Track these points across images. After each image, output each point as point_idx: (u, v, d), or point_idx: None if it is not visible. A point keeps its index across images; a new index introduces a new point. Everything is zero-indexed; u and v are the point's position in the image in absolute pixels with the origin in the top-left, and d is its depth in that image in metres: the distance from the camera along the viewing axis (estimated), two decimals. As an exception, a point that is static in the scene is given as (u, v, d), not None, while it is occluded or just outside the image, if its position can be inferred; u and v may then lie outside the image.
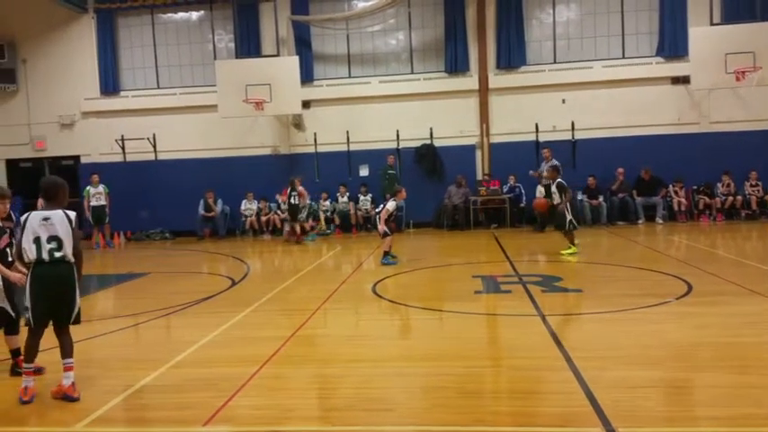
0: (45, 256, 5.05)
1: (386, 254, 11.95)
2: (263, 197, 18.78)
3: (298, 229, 16.45)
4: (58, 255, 5.06)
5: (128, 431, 4.62)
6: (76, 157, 20.35)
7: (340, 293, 9.33)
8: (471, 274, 10.45)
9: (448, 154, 18.72)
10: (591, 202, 17.68)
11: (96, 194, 17.44)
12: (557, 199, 12.44)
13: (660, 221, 17.32)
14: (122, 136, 19.84)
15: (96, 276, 12.12)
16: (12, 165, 20.71)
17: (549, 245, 14.51)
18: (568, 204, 12.34)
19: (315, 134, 19.28)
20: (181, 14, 20.16)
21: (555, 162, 16.03)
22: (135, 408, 5.01)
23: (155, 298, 9.50)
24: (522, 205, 18.07)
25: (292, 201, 16.42)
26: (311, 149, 19.38)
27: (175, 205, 18.90)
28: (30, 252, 5.06)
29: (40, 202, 5.53)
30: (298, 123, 19.31)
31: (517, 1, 18.59)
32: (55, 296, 5.13)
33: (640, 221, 17.43)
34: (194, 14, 20.13)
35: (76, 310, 5.23)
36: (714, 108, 18.00)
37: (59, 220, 5.08)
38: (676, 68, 17.95)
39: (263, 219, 18.62)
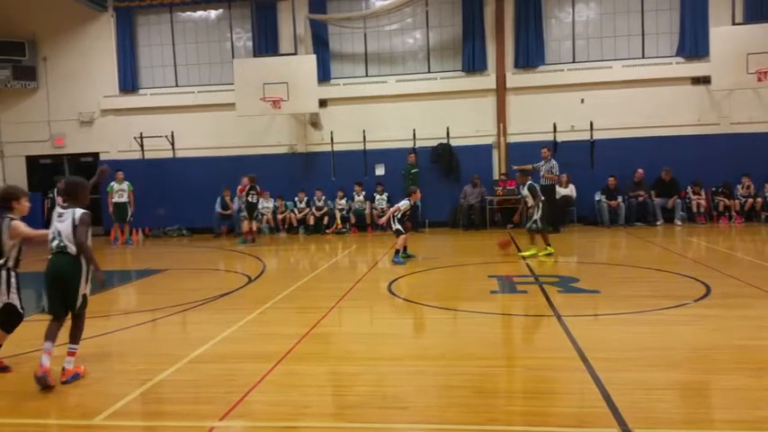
0: (53, 246, 5.55)
1: (397, 252, 11.94)
2: (280, 196, 18.85)
3: (246, 226, 16.50)
4: (61, 246, 5.51)
5: (145, 425, 4.65)
6: (95, 155, 20.51)
7: (355, 292, 9.34)
8: (487, 274, 10.43)
9: (464, 153, 18.70)
10: (609, 203, 17.57)
11: (119, 191, 17.55)
12: (530, 202, 12.30)
13: (679, 223, 17.20)
14: (141, 133, 19.99)
15: (116, 272, 12.22)
16: (31, 161, 20.93)
17: (566, 245, 14.44)
18: (540, 205, 12.19)
19: (331, 133, 19.33)
20: (199, 13, 20.27)
21: (551, 163, 16.02)
22: (152, 402, 5.04)
23: (172, 294, 9.56)
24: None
25: (250, 199, 16.44)
26: (327, 148, 19.43)
27: (193, 203, 19.04)
28: (48, 243, 5.59)
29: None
30: (314, 122, 19.36)
31: (536, 0, 18.53)
32: (56, 284, 5.53)
33: (659, 223, 17.31)
34: (213, 13, 20.23)
35: (79, 300, 5.56)
36: (735, 109, 17.85)
37: (68, 217, 5.55)
38: (697, 69, 17.81)
39: (280, 217, 18.69)
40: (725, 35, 16.49)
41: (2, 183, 20.68)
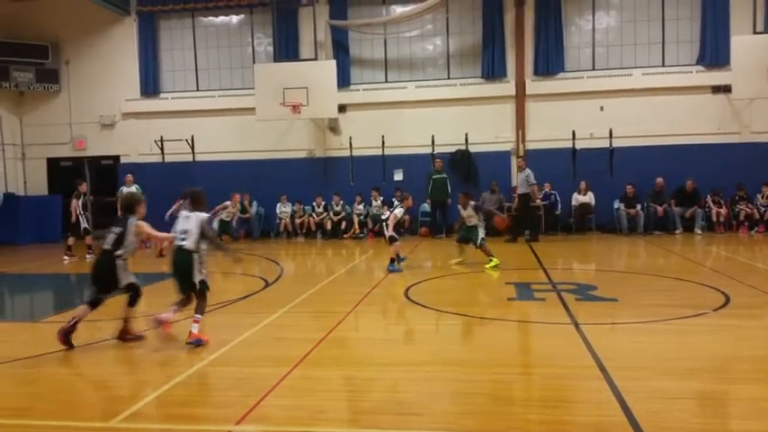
0: (177, 243, 6.84)
1: (392, 261, 11.80)
2: (298, 200, 18.92)
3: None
4: (183, 243, 6.80)
5: (161, 428, 4.66)
6: (116, 158, 20.73)
7: (372, 297, 9.35)
8: (504, 281, 10.41)
9: (483, 160, 18.68)
10: (628, 211, 17.46)
11: None
12: (474, 221, 12.19)
13: (699, 232, 17.05)
14: (161, 137, 20.16)
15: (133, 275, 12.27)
16: (52, 163, 21.18)
17: (584, 253, 14.40)
18: (482, 223, 12.23)
19: (350, 138, 19.38)
20: (221, 18, 20.43)
21: (525, 172, 16.15)
22: (169, 404, 5.06)
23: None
24: (557, 212, 17.94)
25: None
26: (346, 153, 19.49)
27: (211, 206, 19.02)
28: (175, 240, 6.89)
29: (180, 203, 6.63)
30: (333, 127, 19.44)
31: (556, 7, 18.52)
32: (177, 272, 6.88)
33: (678, 231, 17.17)
34: (234, 18, 20.39)
35: (197, 285, 6.80)
36: (755, 118, 17.72)
37: (195, 219, 6.88)
38: (717, 77, 17.72)
39: (298, 221, 18.76)
40: (746, 44, 16.41)
41: (23, 185, 20.97)
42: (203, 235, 6.86)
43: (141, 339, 6.96)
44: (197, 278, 6.81)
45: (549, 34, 18.53)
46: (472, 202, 12.41)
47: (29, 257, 15.98)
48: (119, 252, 6.77)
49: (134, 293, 6.96)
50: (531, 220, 16.89)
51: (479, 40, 19.04)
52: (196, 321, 6.68)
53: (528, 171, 16.38)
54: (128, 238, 6.83)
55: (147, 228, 7.04)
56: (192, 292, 6.86)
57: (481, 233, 12.15)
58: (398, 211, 12.08)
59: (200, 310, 6.79)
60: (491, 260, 11.92)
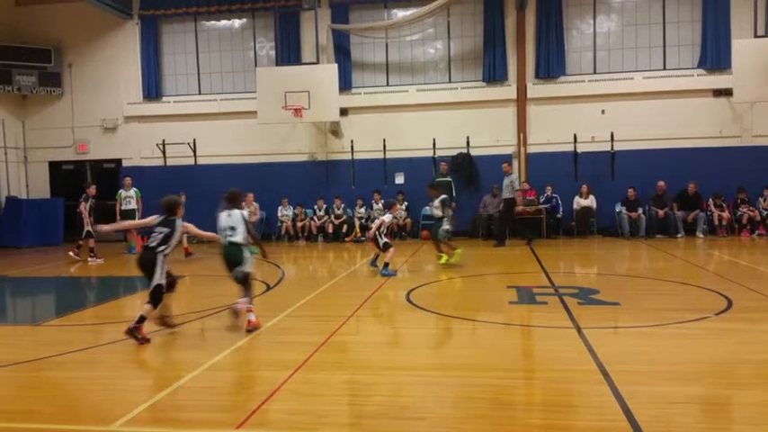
0: (224, 239, 7.54)
1: (386, 265, 11.81)
2: (299, 203, 18.93)
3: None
4: (231, 238, 7.51)
5: (162, 432, 4.68)
6: (118, 161, 20.74)
7: (374, 300, 9.35)
8: (506, 285, 10.39)
9: (484, 163, 18.67)
10: (630, 214, 17.45)
11: (127, 198, 17.31)
12: (438, 213, 12.94)
13: (701, 236, 17.03)
14: (163, 141, 20.19)
15: (137, 279, 12.28)
16: (54, 167, 21.18)
17: (586, 256, 14.38)
18: (450, 216, 13.01)
19: (352, 141, 19.40)
20: (223, 22, 20.46)
21: (511, 177, 16.17)
22: (170, 409, 5.05)
23: (190, 301, 9.58)
24: (558, 216, 17.92)
25: None
26: (348, 156, 19.50)
27: (213, 210, 18.99)
28: (220, 237, 7.60)
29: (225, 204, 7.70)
30: (335, 130, 19.43)
31: (557, 11, 18.52)
32: (228, 265, 7.53)
33: (680, 235, 17.16)
34: (237, 22, 20.40)
35: (242, 274, 7.43)
36: (757, 121, 17.72)
37: (236, 216, 7.61)
38: (718, 81, 17.71)
39: (299, 225, 18.76)
40: (747, 47, 16.38)
41: (25, 188, 20.98)
42: (247, 229, 7.57)
43: (147, 342, 6.95)
44: (246, 268, 7.42)
45: (551, 38, 18.54)
46: (443, 196, 12.98)
47: (31, 261, 15.99)
48: (161, 248, 7.24)
49: (158, 295, 7.20)
50: (520, 225, 16.95)
51: (480, 44, 19.06)
52: (250, 311, 7.35)
53: (513, 176, 16.30)
54: (174, 238, 7.40)
55: (193, 228, 7.87)
56: (240, 282, 7.42)
57: (445, 225, 12.76)
58: (387, 218, 12.14)
59: (244, 293, 7.42)
60: (442, 256, 12.76)
